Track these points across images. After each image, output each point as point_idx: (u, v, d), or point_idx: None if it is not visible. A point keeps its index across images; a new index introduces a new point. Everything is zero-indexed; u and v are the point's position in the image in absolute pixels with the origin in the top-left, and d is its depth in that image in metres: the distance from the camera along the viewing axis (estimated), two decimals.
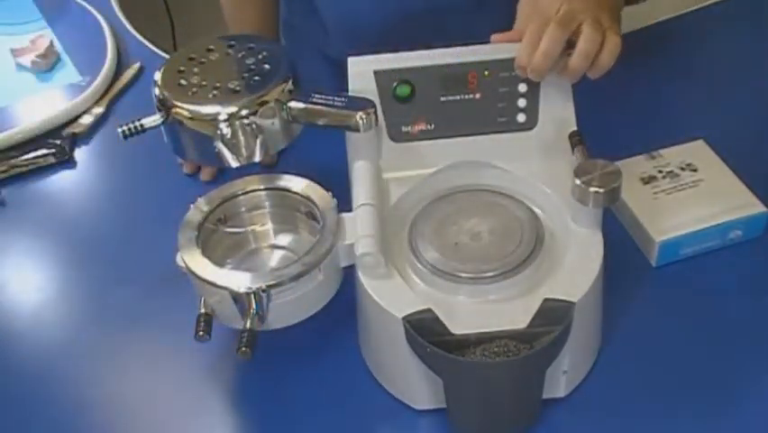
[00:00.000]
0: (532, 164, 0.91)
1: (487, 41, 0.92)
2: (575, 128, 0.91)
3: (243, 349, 0.79)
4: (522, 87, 0.91)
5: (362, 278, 0.82)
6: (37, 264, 1.06)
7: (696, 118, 1.11)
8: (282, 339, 0.85)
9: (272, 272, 0.82)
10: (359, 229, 0.83)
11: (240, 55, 0.90)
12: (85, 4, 1.38)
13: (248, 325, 0.80)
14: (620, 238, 0.96)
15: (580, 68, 0.87)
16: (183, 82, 0.87)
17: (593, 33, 0.85)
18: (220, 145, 0.86)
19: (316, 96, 0.87)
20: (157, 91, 0.87)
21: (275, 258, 0.90)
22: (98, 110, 1.21)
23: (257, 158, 0.88)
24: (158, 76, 0.88)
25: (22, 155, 1.14)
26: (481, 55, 0.90)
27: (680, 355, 0.88)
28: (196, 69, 0.88)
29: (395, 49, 0.91)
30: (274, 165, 1.08)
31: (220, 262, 0.85)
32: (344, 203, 0.87)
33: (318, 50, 1.27)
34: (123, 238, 1.05)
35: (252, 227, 0.91)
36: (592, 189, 0.81)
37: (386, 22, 1.15)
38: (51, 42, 1.29)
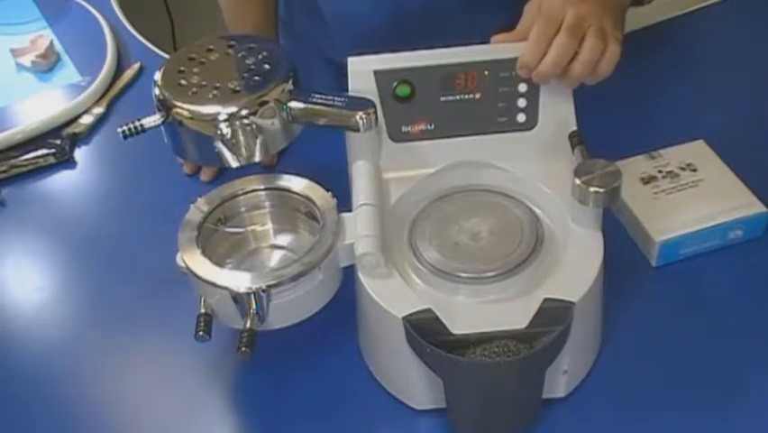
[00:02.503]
0: (532, 164, 0.91)
1: (487, 42, 0.92)
2: (575, 128, 0.91)
3: (243, 349, 0.79)
4: (522, 87, 0.91)
5: (362, 278, 0.82)
6: (37, 264, 1.06)
7: (696, 118, 1.11)
8: (282, 339, 0.85)
9: (272, 272, 0.82)
10: (359, 229, 0.83)
11: (240, 55, 0.90)
12: (85, 4, 1.38)
13: (248, 325, 0.80)
14: (620, 238, 0.96)
15: (582, 75, 0.87)
16: (183, 82, 0.87)
17: (597, 42, 0.86)
18: (220, 145, 0.86)
19: (316, 96, 0.87)
20: (157, 91, 0.87)
21: (275, 258, 0.90)
22: (98, 110, 1.21)
23: (257, 158, 0.88)
24: (158, 76, 0.88)
25: (22, 155, 1.14)
26: (481, 55, 0.90)
27: (679, 355, 0.88)
28: (196, 69, 0.88)
29: (395, 49, 0.91)
30: (274, 165, 1.08)
31: (220, 262, 0.85)
32: (344, 203, 0.87)
33: (318, 50, 1.27)
34: (123, 238, 1.05)
35: (252, 227, 0.91)
36: (592, 189, 0.81)
37: (385, 21, 1.15)
38: (51, 42, 1.29)
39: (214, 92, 0.86)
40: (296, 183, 0.89)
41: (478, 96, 0.91)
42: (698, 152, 1.01)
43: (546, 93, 0.91)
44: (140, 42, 1.33)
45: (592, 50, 0.86)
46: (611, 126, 1.07)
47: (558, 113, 0.91)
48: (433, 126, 0.92)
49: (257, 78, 0.87)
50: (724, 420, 0.83)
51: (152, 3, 2.09)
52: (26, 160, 1.14)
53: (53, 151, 1.14)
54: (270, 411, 0.87)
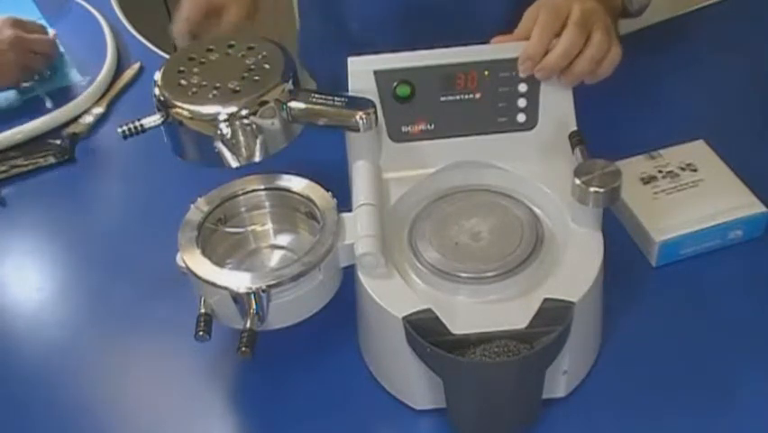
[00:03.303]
0: (532, 164, 0.91)
1: (487, 42, 0.92)
2: (575, 128, 0.91)
3: (243, 349, 0.79)
4: (522, 87, 0.91)
5: (362, 278, 0.82)
6: (37, 264, 1.06)
7: (696, 118, 1.11)
8: (282, 339, 0.85)
9: (272, 272, 0.82)
10: (359, 229, 0.83)
11: (240, 55, 0.90)
12: (85, 4, 1.39)
13: (248, 325, 0.80)
14: (620, 238, 0.96)
15: (585, 72, 0.87)
16: (183, 82, 0.87)
17: (602, 41, 0.86)
18: (220, 145, 0.86)
19: (316, 96, 0.87)
20: (157, 91, 0.87)
21: (275, 258, 0.90)
22: (98, 110, 1.21)
23: (257, 158, 0.88)
24: (158, 76, 0.88)
25: (22, 155, 1.14)
26: (481, 55, 0.90)
27: (679, 355, 0.88)
28: (196, 69, 0.88)
29: (395, 48, 0.91)
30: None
31: (220, 262, 0.85)
32: (344, 203, 0.87)
33: (337, 26, 1.26)
34: (123, 238, 1.05)
35: (252, 227, 0.91)
36: (592, 189, 0.81)
37: (399, 10, 1.15)
38: None
39: (214, 92, 0.85)
40: (296, 183, 0.89)
41: (478, 96, 0.91)
42: (698, 151, 1.01)
43: (546, 93, 0.91)
44: (140, 42, 1.33)
45: (599, 46, 0.86)
46: (611, 126, 1.07)
47: (558, 113, 0.91)
48: (433, 126, 0.92)
49: (257, 78, 0.87)
50: (724, 420, 0.83)
51: (152, 3, 2.09)
52: (26, 160, 1.14)
53: (53, 151, 1.14)
54: (270, 411, 0.87)
